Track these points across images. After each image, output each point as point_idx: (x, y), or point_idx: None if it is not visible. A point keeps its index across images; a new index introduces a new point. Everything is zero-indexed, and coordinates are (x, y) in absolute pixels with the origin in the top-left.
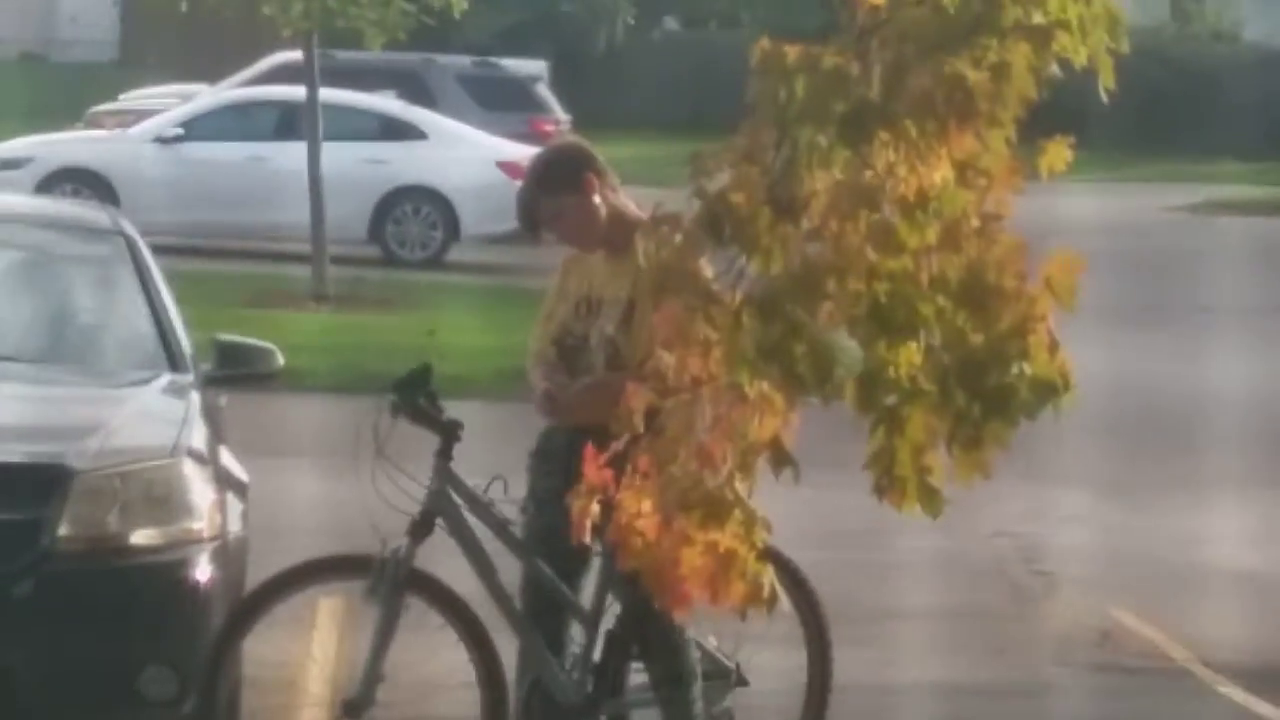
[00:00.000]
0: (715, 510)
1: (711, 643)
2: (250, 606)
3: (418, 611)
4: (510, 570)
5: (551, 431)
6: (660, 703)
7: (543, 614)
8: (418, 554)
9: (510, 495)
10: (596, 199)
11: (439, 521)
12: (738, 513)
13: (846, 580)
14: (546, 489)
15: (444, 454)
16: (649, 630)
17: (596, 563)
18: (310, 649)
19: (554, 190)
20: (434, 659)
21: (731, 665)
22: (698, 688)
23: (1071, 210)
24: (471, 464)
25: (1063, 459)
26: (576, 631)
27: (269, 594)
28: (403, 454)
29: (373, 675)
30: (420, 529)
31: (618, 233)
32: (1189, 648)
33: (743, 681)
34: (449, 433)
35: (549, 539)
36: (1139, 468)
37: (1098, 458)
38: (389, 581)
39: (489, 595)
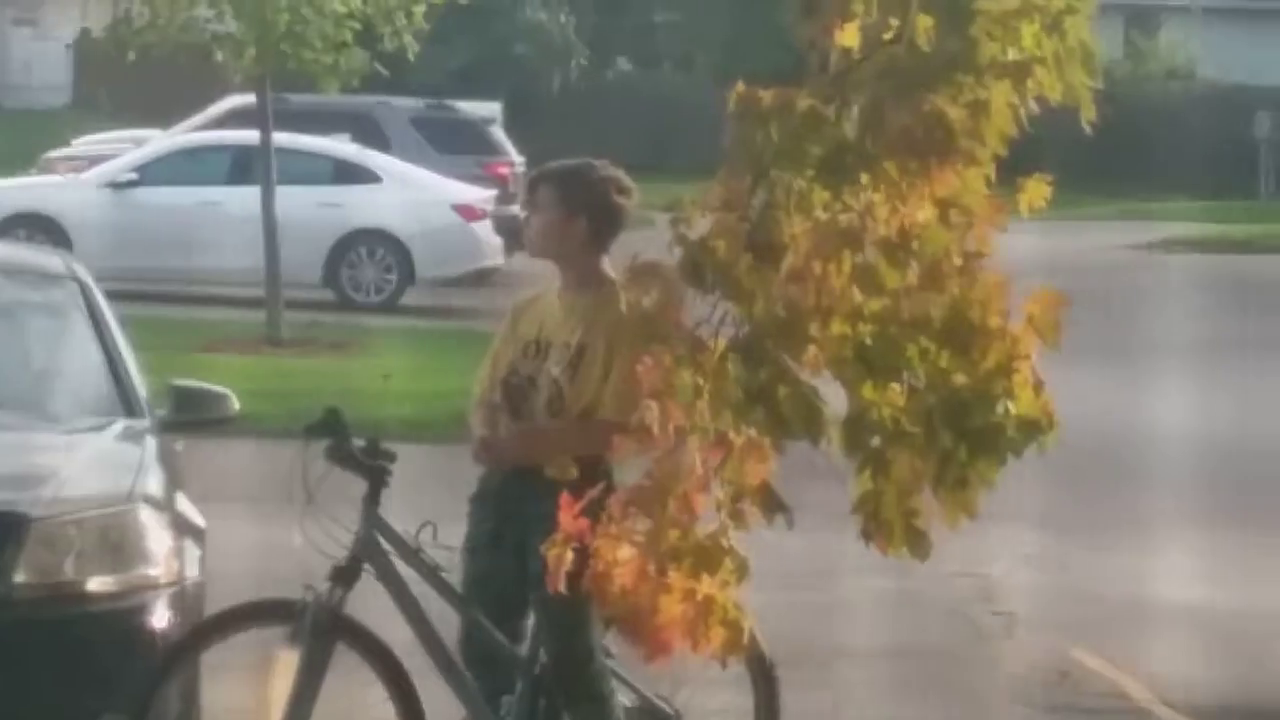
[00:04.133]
0: (706, 559)
1: (649, 689)
2: (173, 656)
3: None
4: (443, 615)
5: (488, 475)
6: None
7: (478, 661)
8: (346, 600)
9: (441, 540)
10: (584, 239)
11: (367, 567)
12: (728, 561)
13: (804, 621)
14: (481, 534)
15: (371, 499)
16: (573, 678)
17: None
18: (268, 696)
19: (570, 199)
20: (359, 705)
21: (671, 711)
22: None
23: (1025, 249)
24: (425, 508)
25: (1020, 498)
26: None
27: (192, 642)
28: (349, 498)
29: None
30: (346, 574)
31: (582, 274)
32: (1148, 687)
33: None
34: (376, 478)
35: (484, 584)
36: (1096, 507)
37: (1055, 497)
38: (310, 627)
39: (419, 641)
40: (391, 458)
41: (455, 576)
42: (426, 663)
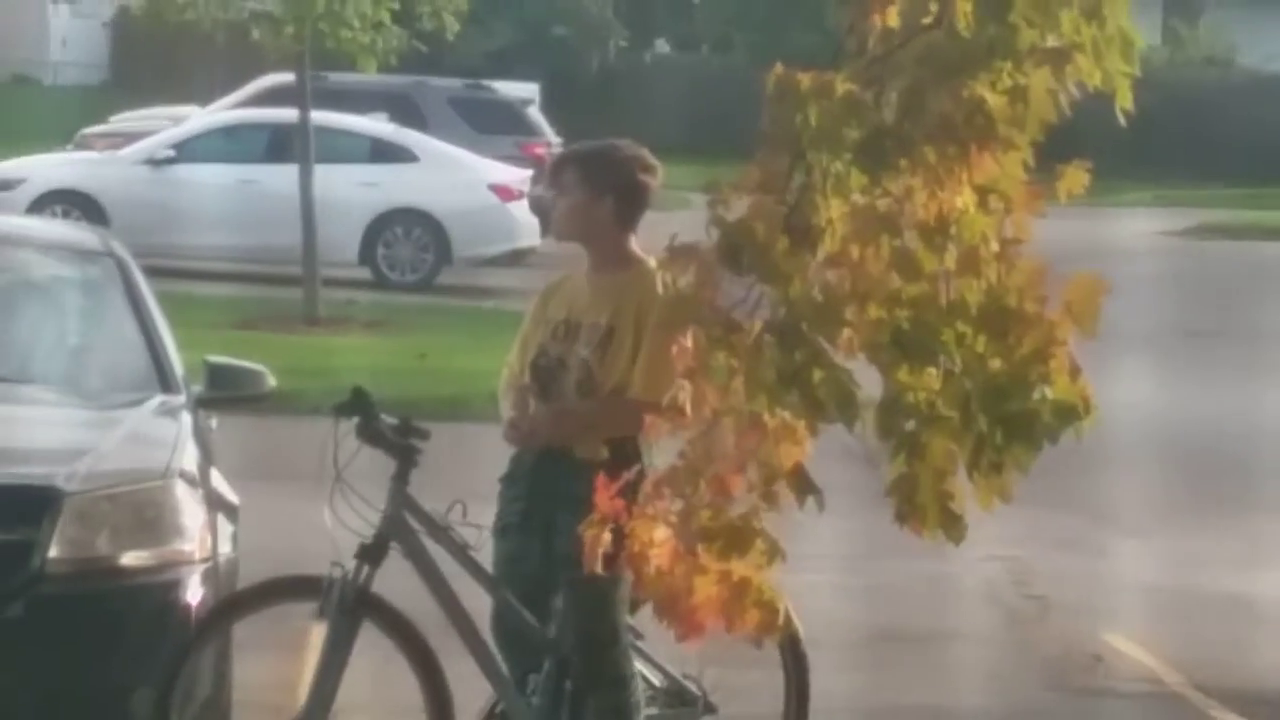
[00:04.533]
0: (738, 540)
1: (677, 669)
2: (200, 631)
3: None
4: (474, 594)
5: (520, 455)
6: None
7: (508, 641)
8: (374, 578)
9: (470, 519)
10: (611, 219)
11: (394, 545)
12: (760, 543)
13: (838, 603)
14: (512, 513)
15: (400, 478)
16: (597, 659)
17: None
18: (302, 672)
19: (595, 180)
20: (387, 682)
21: (699, 691)
22: None
23: (1064, 235)
24: (459, 487)
25: (1054, 483)
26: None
27: (219, 617)
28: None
29: (319, 697)
30: (373, 553)
31: (610, 255)
32: (1182, 672)
33: (710, 708)
34: (405, 456)
35: (514, 564)
36: (1130, 491)
37: (1089, 481)
38: (336, 604)
39: (447, 619)
40: (424, 436)
41: (484, 555)
42: (456, 641)
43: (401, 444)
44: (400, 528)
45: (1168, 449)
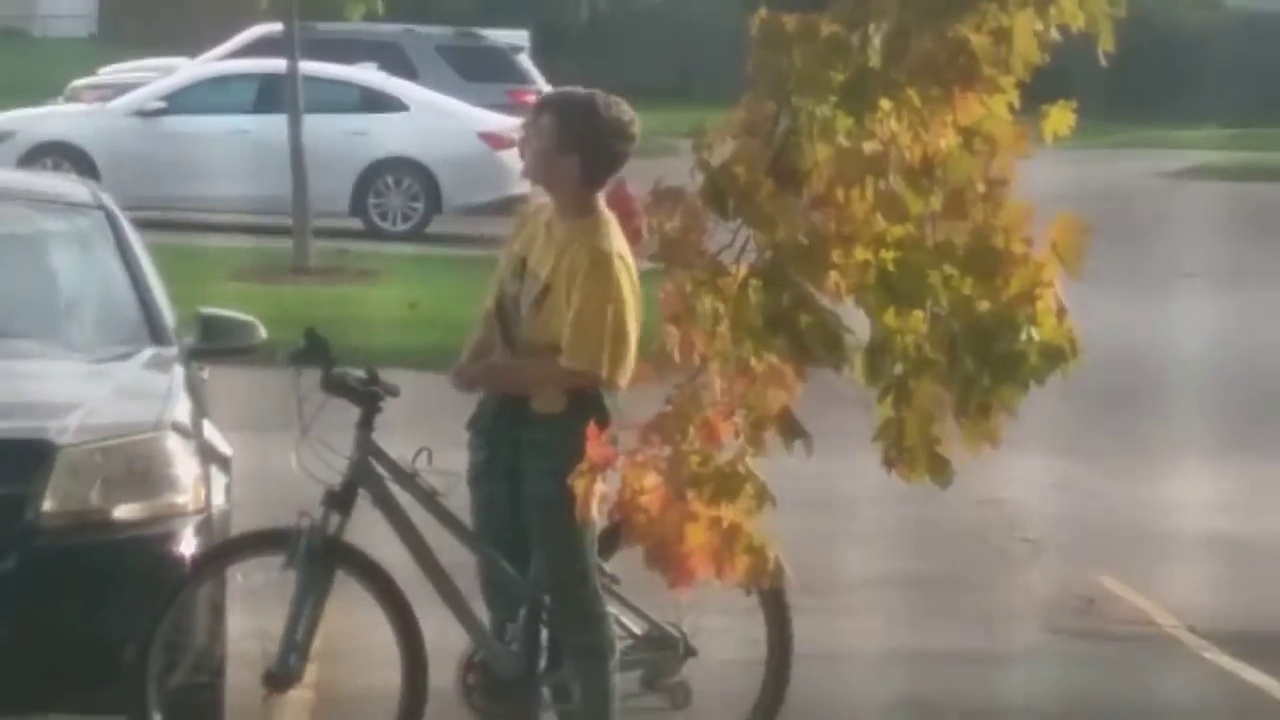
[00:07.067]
0: (727, 485)
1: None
2: (172, 592)
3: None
4: (449, 541)
5: (485, 401)
6: (579, 675)
7: (488, 587)
8: (345, 526)
9: (436, 465)
10: (575, 175)
11: (363, 492)
12: (749, 487)
13: (829, 548)
14: (478, 462)
15: (364, 425)
16: (568, 601)
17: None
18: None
19: (566, 134)
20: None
21: (679, 635)
22: (615, 661)
23: (1054, 177)
24: (449, 435)
25: (1046, 426)
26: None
27: (191, 577)
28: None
29: (292, 647)
30: (340, 500)
31: (569, 206)
32: (1174, 614)
33: (691, 652)
34: (368, 403)
35: (487, 511)
36: (1123, 433)
37: (1082, 424)
38: (305, 553)
39: (418, 566)
40: (393, 392)
41: (453, 501)
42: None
43: (363, 391)
44: (367, 474)
45: (1160, 390)
